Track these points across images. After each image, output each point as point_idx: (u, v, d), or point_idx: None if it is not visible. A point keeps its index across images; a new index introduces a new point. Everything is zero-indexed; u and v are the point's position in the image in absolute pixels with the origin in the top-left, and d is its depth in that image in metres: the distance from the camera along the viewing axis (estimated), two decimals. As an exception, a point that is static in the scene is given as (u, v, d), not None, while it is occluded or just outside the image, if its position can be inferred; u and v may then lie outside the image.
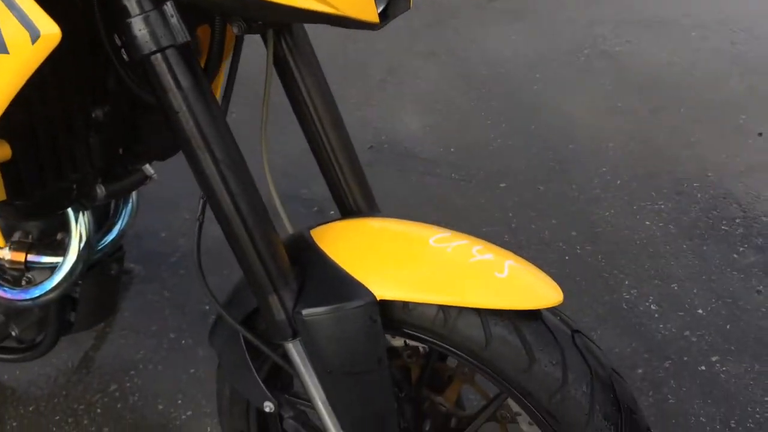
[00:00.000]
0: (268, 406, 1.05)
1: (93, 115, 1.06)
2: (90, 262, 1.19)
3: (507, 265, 0.95)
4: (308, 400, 1.01)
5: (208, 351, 1.85)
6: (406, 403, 1.12)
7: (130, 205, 1.25)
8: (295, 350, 0.98)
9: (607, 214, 2.27)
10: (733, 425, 1.60)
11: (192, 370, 1.81)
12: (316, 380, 0.98)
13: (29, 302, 1.17)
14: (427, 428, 1.16)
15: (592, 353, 0.97)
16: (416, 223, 1.05)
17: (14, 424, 1.69)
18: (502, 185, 2.40)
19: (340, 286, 0.94)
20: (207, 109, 0.89)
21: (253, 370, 1.05)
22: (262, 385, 1.05)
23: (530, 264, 0.99)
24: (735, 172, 2.44)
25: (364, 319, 0.93)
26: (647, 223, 2.23)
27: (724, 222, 2.22)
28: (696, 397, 1.66)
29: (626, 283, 1.99)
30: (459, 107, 2.87)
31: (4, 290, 1.18)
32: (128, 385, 1.78)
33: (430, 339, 0.97)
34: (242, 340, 1.05)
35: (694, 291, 1.97)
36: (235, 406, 1.21)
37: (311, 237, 1.03)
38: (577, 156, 2.54)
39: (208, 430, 1.67)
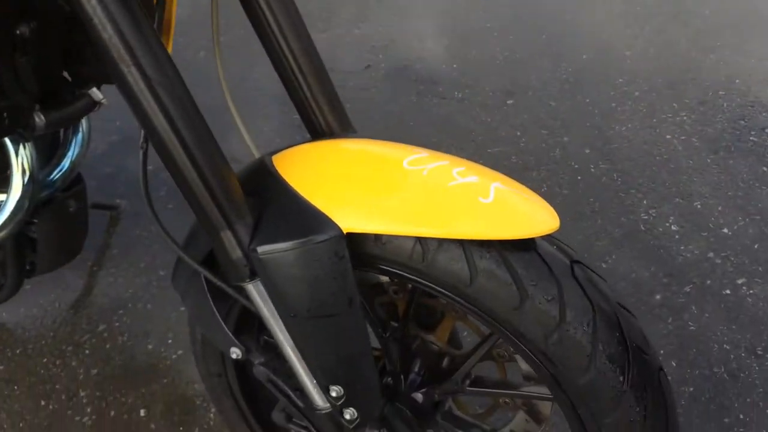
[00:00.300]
0: (235, 353, 0.95)
1: (18, 33, 0.92)
2: (40, 198, 1.08)
3: (493, 189, 0.81)
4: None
5: (198, 288, 1.76)
6: (392, 343, 1.02)
7: (80, 134, 1.13)
8: (255, 292, 0.86)
9: (624, 129, 2.10)
10: (759, 352, 1.48)
11: (182, 308, 1.72)
12: (281, 324, 0.87)
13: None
14: (416, 369, 1.05)
15: (595, 286, 0.84)
16: (391, 143, 0.91)
17: (0, 367, 1.63)
18: (509, 102, 2.23)
19: (301, 218, 0.82)
20: (129, 17, 0.75)
21: (217, 314, 0.95)
22: (226, 329, 0.95)
23: (521, 186, 0.85)
24: (765, 77, 2.24)
25: (328, 255, 0.80)
26: (668, 136, 2.07)
27: (752, 133, 2.05)
28: (719, 322, 1.54)
29: (645, 202, 1.85)
30: (462, 19, 2.66)
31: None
32: (117, 324, 1.70)
33: (409, 275, 0.85)
34: (204, 282, 0.94)
35: (719, 209, 1.82)
36: (208, 349, 1.12)
37: (272, 164, 0.90)
38: (591, 67, 2.35)
39: (200, 370, 1.59)
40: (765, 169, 1.92)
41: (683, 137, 2.06)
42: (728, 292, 1.60)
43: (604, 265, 1.67)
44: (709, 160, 1.97)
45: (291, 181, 0.86)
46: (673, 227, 1.76)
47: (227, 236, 0.83)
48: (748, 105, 2.14)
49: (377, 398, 0.92)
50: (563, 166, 1.98)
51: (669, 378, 0.87)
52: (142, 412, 1.53)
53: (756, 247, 1.70)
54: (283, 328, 0.87)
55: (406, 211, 0.80)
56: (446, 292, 0.84)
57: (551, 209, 0.82)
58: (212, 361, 1.13)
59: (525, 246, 0.82)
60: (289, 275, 0.81)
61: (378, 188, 0.83)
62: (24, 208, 1.06)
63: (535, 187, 1.92)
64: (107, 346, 1.66)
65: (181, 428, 1.49)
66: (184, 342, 1.64)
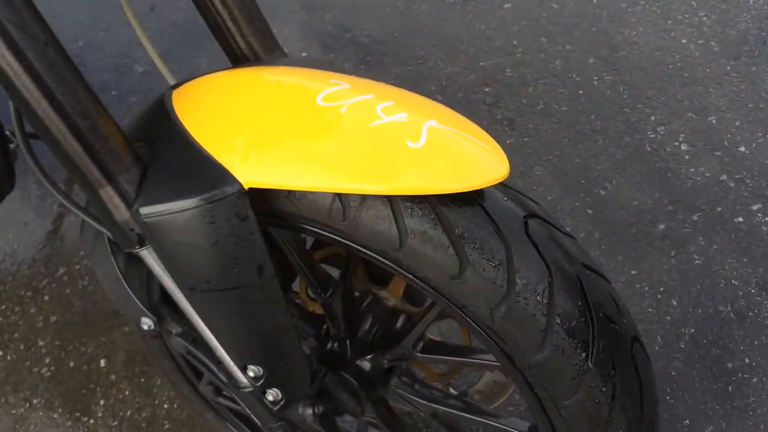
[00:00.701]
0: (146, 323, 0.83)
1: None
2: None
3: (426, 129, 0.65)
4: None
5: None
6: (336, 303, 0.88)
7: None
8: (152, 259, 0.73)
9: (635, 33, 1.88)
10: (772, 288, 1.33)
11: (146, 249, 1.60)
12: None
13: None
14: (366, 327, 0.92)
15: (556, 245, 0.69)
16: (311, 72, 0.75)
17: (-43, 316, 1.55)
18: (506, 6, 2.00)
19: (193, 172, 0.67)
20: None
21: (122, 279, 0.81)
22: (134, 297, 0.82)
23: (466, 121, 0.69)
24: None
25: (226, 217, 0.66)
26: (683, 41, 1.84)
27: (780, 34, 1.82)
28: (729, 254, 1.38)
29: (652, 119, 1.65)
30: None
31: None
32: (77, 268, 1.60)
33: (333, 235, 0.71)
34: (107, 243, 0.81)
35: (737, 123, 1.62)
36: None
37: (170, 101, 0.74)
38: (601, -37, 2.10)
39: (163, 315, 1.49)
40: (792, 76, 1.70)
41: (701, 41, 1.83)
42: (741, 220, 1.43)
43: (602, 192, 1.50)
44: (728, 68, 1.76)
45: (187, 124, 0.70)
46: (682, 146, 1.58)
47: (107, 194, 0.68)
48: (777, 2, 1.89)
49: (303, 376, 0.79)
50: (563, 79, 1.78)
51: (645, 350, 0.73)
52: (102, 363, 1.44)
53: (776, 167, 1.52)
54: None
55: (318, 160, 0.65)
56: (375, 256, 0.69)
57: (500, 152, 0.66)
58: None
59: (467, 200, 0.66)
60: (181, 242, 0.67)
61: (286, 132, 0.67)
62: None
63: (531, 104, 1.73)
64: (67, 291, 1.56)
65: (142, 379, 1.40)
66: (147, 285, 1.54)
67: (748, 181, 1.50)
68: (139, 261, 0.77)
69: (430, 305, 0.85)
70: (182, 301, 0.74)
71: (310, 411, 0.84)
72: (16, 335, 1.51)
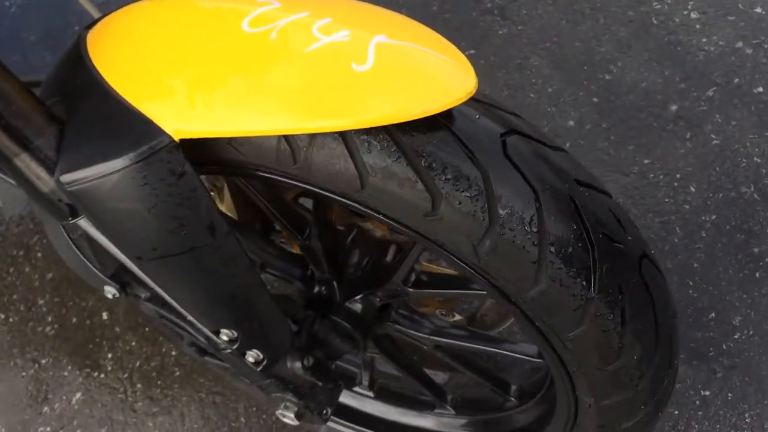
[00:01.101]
0: (109, 292, 0.76)
1: None
2: None
3: (372, 47, 0.55)
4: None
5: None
6: (317, 243, 0.81)
7: None
8: (92, 228, 0.65)
9: None
10: (798, 161, 1.22)
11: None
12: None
13: None
14: (354, 264, 0.85)
15: (541, 162, 0.60)
16: (240, -9, 0.64)
17: (-48, 284, 1.51)
18: None
19: (114, 128, 0.58)
20: None
21: (75, 249, 0.75)
22: (90, 266, 0.75)
23: (422, 29, 0.59)
24: None
25: (160, 175, 0.57)
26: None
27: None
28: (749, 130, 1.27)
29: (658, -14, 1.50)
30: None
31: None
32: (66, 221, 1.54)
33: (288, 180, 0.62)
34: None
35: (751, -19, 1.46)
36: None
37: (85, 45, 0.64)
38: None
39: (159, 261, 1.44)
40: None
41: None
42: (761, 90, 1.31)
43: (607, 77, 1.38)
44: None
45: (103, 70, 0.61)
46: (692, 15, 1.43)
47: (24, 163, 0.60)
48: None
49: (283, 333, 0.72)
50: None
51: (657, 265, 0.65)
52: (105, 315, 1.40)
53: (798, 25, 1.37)
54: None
55: (251, 99, 0.55)
56: (338, 199, 0.61)
57: (466, 63, 0.56)
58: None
59: (432, 124, 0.57)
60: (114, 209, 0.59)
61: (213, 69, 0.57)
62: None
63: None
64: (59, 245, 1.51)
65: (146, 329, 1.36)
66: (139, 231, 1.47)
67: (767, 46, 1.36)
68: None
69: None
70: (137, 270, 0.67)
71: (299, 364, 0.78)
72: (14, 296, 1.47)
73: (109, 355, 1.36)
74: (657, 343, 0.66)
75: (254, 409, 1.24)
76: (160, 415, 1.27)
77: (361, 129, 0.56)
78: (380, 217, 0.61)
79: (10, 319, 1.44)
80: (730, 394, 1.07)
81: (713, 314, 1.12)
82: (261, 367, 0.72)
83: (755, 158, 1.23)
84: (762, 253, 1.15)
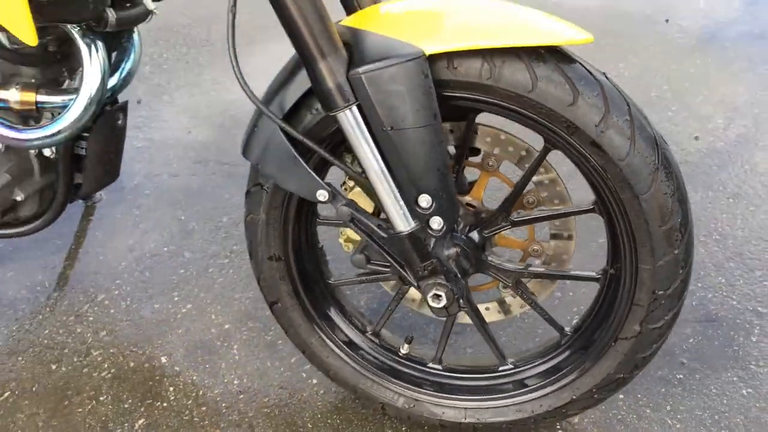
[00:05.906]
0: (322, 195, 1.07)
1: None
2: (102, 101, 1.16)
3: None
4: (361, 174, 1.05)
5: (193, 253, 1.81)
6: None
7: (135, 42, 1.22)
8: (351, 116, 1.00)
9: None
10: None
11: (182, 271, 1.76)
12: (373, 146, 1.01)
13: (42, 140, 1.12)
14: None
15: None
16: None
17: None
18: None
19: (389, 47, 0.99)
20: None
21: (302, 161, 1.07)
22: (313, 174, 1.07)
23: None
24: None
25: (416, 72, 0.97)
26: None
27: None
28: None
29: None
30: None
31: (17, 130, 1.13)
32: (116, 293, 1.71)
33: (478, 96, 1.03)
34: (285, 137, 1.07)
35: None
36: (271, 231, 1.22)
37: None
38: None
39: (212, 317, 1.64)
40: None
41: None
42: None
43: None
44: None
45: (370, 28, 1.03)
46: None
47: (327, 65, 0.98)
48: None
49: (456, 210, 1.07)
50: None
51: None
52: (164, 359, 1.54)
53: None
54: (375, 149, 1.01)
55: (474, 30, 1.00)
56: (510, 105, 1.02)
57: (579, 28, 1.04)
58: (274, 243, 1.23)
59: (568, 58, 1.03)
60: (388, 91, 0.97)
61: (445, 16, 1.02)
62: (92, 109, 1.13)
63: None
64: (111, 311, 1.66)
65: (207, 366, 1.51)
66: (192, 297, 1.67)
67: None
68: (303, 155, 1.05)
69: (530, 168, 1.13)
70: (367, 150, 1.01)
71: (451, 250, 1.10)
72: (66, 350, 1.57)
73: (171, 389, 1.48)
74: (688, 214, 1.07)
75: (319, 416, 1.40)
76: (229, 428, 1.38)
77: (534, 53, 1.00)
78: (533, 115, 1.02)
79: (62, 369, 1.53)
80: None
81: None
82: (440, 233, 1.04)
83: None
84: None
